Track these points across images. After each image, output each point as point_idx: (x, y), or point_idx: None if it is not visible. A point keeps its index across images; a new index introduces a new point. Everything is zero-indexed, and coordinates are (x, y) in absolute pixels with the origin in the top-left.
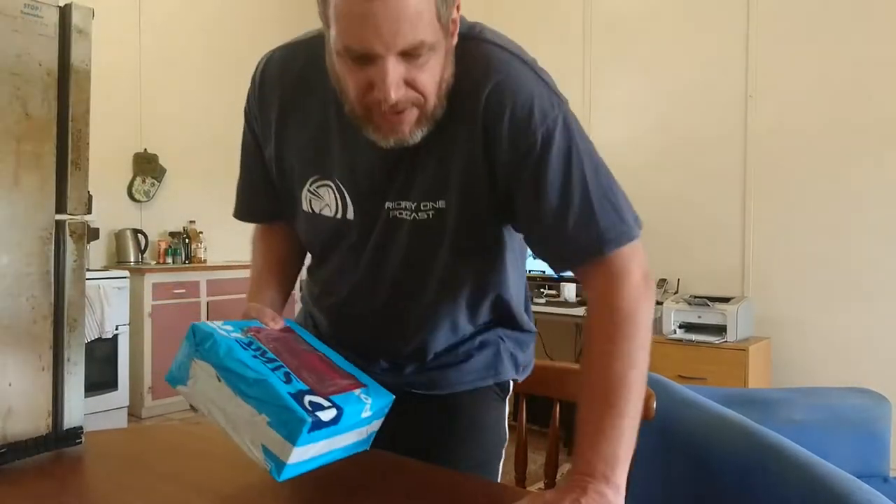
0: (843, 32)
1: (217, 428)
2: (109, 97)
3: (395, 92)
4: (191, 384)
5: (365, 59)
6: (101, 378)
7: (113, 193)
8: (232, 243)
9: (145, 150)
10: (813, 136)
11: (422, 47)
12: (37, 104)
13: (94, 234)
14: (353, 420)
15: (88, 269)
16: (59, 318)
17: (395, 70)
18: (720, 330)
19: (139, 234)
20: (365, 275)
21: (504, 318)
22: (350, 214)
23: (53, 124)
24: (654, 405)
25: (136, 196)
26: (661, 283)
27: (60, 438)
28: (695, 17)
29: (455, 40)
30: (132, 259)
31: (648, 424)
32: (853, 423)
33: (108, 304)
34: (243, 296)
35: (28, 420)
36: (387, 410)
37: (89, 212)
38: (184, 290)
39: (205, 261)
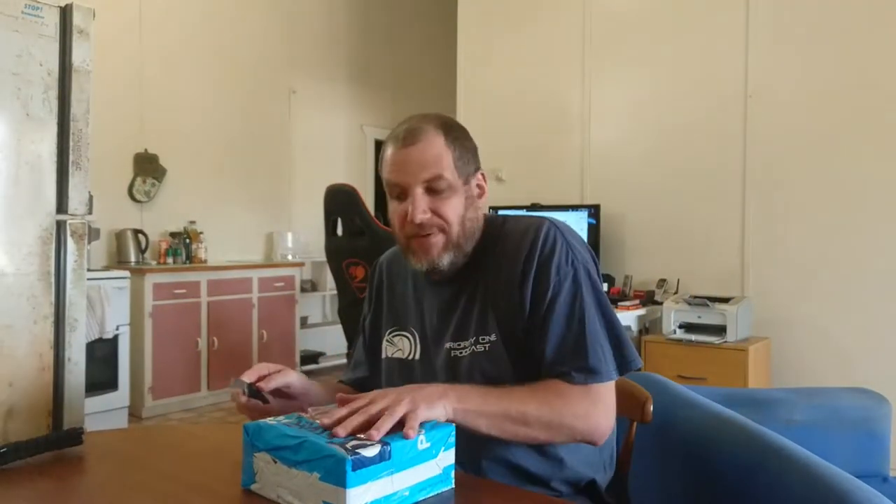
0: (843, 32)
1: None
2: (110, 97)
3: (421, 214)
4: (258, 478)
5: (402, 193)
6: (101, 378)
7: (113, 193)
8: (232, 243)
9: (146, 150)
10: (813, 135)
11: (440, 180)
12: (37, 104)
13: (94, 234)
14: (410, 453)
15: (89, 269)
16: (60, 318)
17: (421, 198)
18: (720, 330)
19: (140, 235)
20: None
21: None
22: (416, 355)
23: (54, 124)
24: (651, 408)
25: (137, 196)
26: (661, 283)
27: (61, 438)
28: (694, 17)
29: (478, 196)
30: (133, 259)
31: (647, 425)
32: (853, 423)
33: (109, 304)
34: (243, 296)
35: (28, 420)
36: (452, 440)
37: (90, 212)
38: (184, 291)
39: (205, 261)
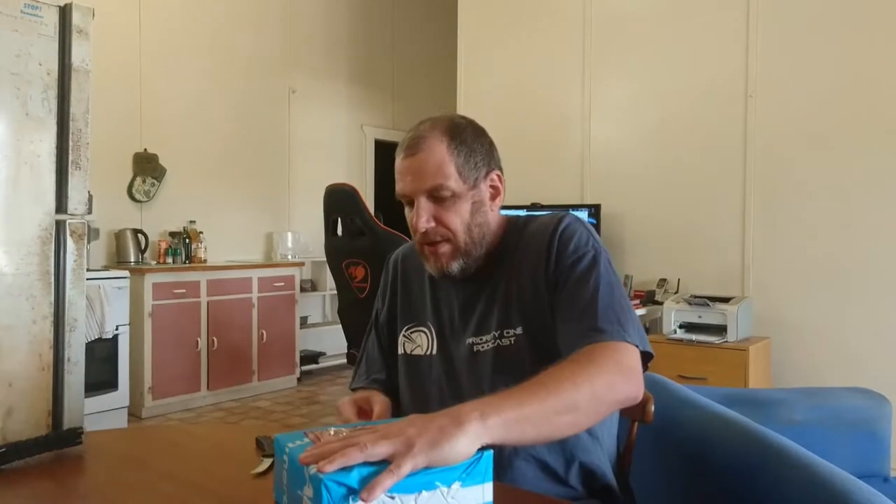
0: (843, 32)
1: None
2: (109, 97)
3: (424, 223)
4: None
5: (409, 202)
6: (101, 378)
7: (113, 193)
8: (232, 243)
9: (145, 149)
10: (813, 135)
11: (442, 189)
12: (37, 104)
13: (94, 233)
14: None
15: (88, 269)
16: (59, 318)
17: (424, 206)
18: (720, 330)
19: (139, 234)
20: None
21: (595, 491)
22: (434, 350)
23: (53, 124)
24: (653, 409)
25: (137, 196)
26: (662, 283)
27: (60, 438)
28: (695, 17)
29: (491, 198)
30: (132, 259)
31: (648, 425)
32: (853, 423)
33: (109, 304)
34: (243, 296)
35: (28, 420)
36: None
37: (89, 212)
38: (184, 290)
39: (205, 261)
